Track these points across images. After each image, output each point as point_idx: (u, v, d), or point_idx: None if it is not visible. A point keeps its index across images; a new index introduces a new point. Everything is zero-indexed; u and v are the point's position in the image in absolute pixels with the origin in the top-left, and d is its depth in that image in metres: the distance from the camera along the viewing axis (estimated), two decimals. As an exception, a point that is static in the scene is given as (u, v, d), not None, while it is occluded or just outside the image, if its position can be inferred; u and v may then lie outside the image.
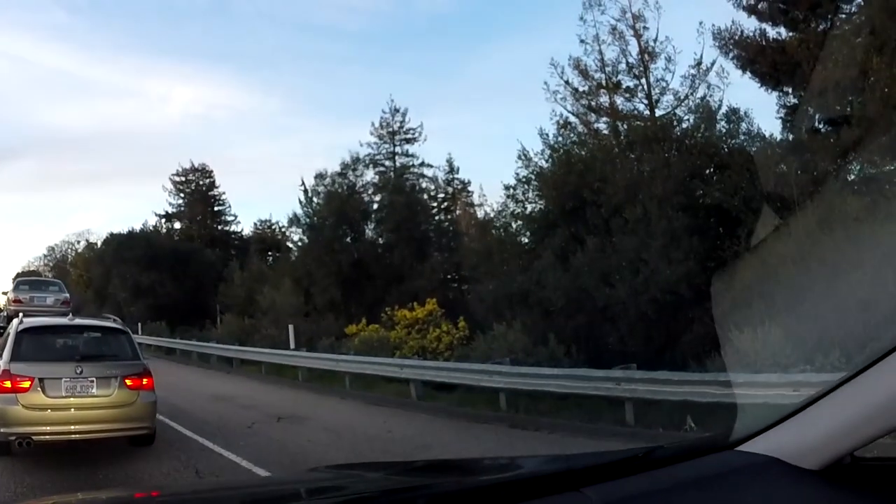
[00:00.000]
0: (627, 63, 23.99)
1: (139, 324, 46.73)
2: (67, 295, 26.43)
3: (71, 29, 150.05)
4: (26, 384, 9.06)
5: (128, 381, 9.64)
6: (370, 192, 39.91)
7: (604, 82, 24.53)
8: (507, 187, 23.55)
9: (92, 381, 9.38)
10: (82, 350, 9.90)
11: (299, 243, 42.22)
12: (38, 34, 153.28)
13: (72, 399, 9.21)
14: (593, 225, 19.41)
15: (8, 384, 9.05)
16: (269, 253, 56.34)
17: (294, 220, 40.09)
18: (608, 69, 24.27)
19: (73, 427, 9.20)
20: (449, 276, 36.50)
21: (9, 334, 10.18)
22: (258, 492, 2.71)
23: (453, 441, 10.80)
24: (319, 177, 38.66)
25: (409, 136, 41.24)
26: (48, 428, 9.09)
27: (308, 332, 28.56)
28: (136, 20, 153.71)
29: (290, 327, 26.07)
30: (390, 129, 40.99)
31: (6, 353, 9.48)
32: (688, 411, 9.89)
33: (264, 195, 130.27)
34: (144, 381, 9.87)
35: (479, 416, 13.68)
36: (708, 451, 2.08)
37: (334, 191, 37.79)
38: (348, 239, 37.40)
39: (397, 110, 41.09)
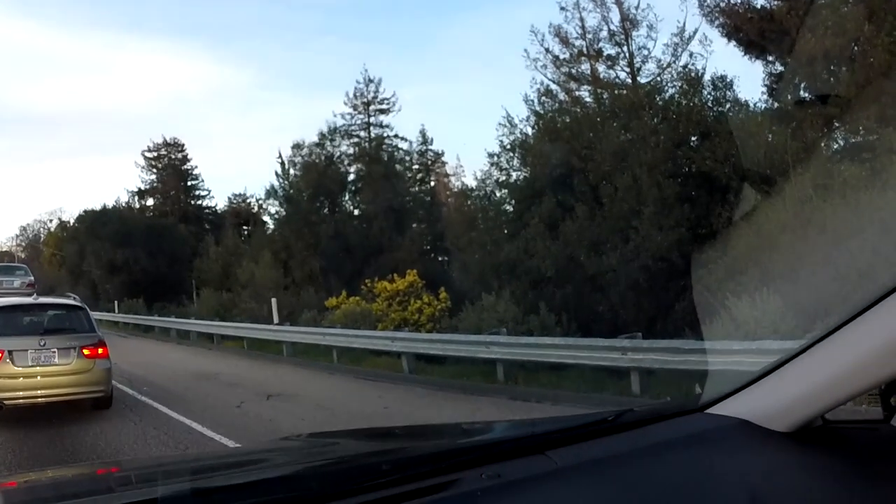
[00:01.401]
0: (609, 30, 23.78)
1: (115, 301, 46.17)
2: (32, 278, 28.67)
3: (39, 3, 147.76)
4: None
5: (85, 351, 10.92)
6: (346, 163, 39.62)
7: (585, 50, 24.29)
8: (490, 155, 23.28)
9: (54, 352, 10.68)
10: (46, 325, 11.30)
11: (276, 216, 41.80)
12: (4, 7, 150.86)
13: (37, 368, 10.51)
14: (581, 192, 19.19)
15: None
16: (245, 227, 55.93)
17: (271, 193, 39.67)
18: (589, 36, 24.05)
19: (39, 392, 10.50)
20: (428, 248, 36.31)
21: None
22: (226, 461, 2.67)
23: (454, 415, 10.38)
24: (297, 147, 38.25)
25: (384, 106, 40.73)
26: (19, 393, 10.37)
27: (288, 306, 28.26)
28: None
29: (273, 301, 25.69)
30: (364, 100, 40.49)
31: None
32: (694, 380, 9.68)
33: (238, 169, 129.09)
34: (100, 350, 11.14)
35: (476, 389, 13.37)
36: (678, 415, 2.09)
37: (312, 162, 37.40)
38: (326, 210, 37.10)
39: (371, 80, 40.57)
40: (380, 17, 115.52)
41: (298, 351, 21.11)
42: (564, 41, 24.31)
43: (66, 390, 10.62)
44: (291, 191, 38.20)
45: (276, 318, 24.61)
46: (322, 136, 38.29)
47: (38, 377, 10.50)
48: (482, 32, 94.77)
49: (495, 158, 23.11)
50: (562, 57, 24.27)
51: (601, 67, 24.22)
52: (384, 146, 40.34)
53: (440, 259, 35.33)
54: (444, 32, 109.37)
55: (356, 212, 38.52)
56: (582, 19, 23.68)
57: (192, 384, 15.19)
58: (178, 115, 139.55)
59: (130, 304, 45.47)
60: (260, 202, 45.34)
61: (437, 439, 2.59)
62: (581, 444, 1.89)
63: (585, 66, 24.47)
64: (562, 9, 23.66)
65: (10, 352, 10.40)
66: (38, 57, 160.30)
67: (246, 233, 55.33)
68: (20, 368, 10.37)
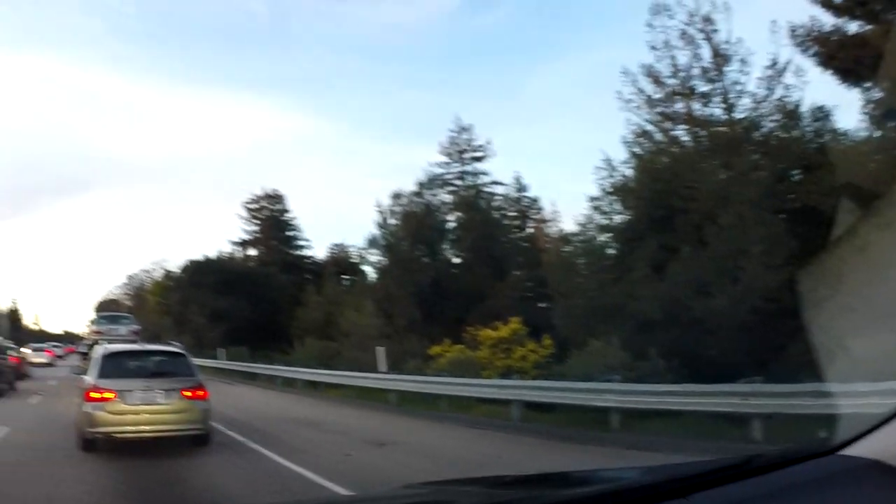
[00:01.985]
0: (702, 67, 23.43)
1: (219, 349, 47.19)
2: (137, 326, 32.69)
3: (131, 59, 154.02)
4: (110, 395, 11.66)
5: (186, 393, 12.18)
6: (443, 211, 39.85)
7: (678, 88, 24.01)
8: (591, 199, 23.13)
9: (158, 393, 11.97)
10: (151, 369, 12.69)
11: (377, 265, 42.21)
12: (101, 66, 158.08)
13: (143, 406, 11.79)
14: (684, 233, 18.87)
15: (96, 395, 11.68)
16: (344, 276, 56.54)
17: (372, 242, 40.02)
18: (682, 74, 23.74)
19: (144, 427, 11.78)
20: (530, 294, 36.11)
21: (95, 358, 13.30)
22: None
23: (570, 464, 10.20)
24: (396, 196, 38.65)
25: (478, 153, 40.98)
26: (128, 428, 11.66)
27: (391, 355, 28.36)
28: (194, 50, 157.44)
29: (380, 350, 25.85)
30: (458, 148, 40.81)
31: (94, 372, 12.36)
32: (816, 423, 9.36)
33: (337, 219, 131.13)
34: (199, 392, 12.42)
35: (589, 438, 13.15)
36: (808, 457, 2.08)
37: (411, 211, 37.73)
38: (426, 258, 37.29)
39: (463, 128, 40.86)
40: (468, 65, 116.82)
41: (405, 399, 21.14)
42: (657, 81, 24.00)
43: (168, 427, 11.93)
44: (392, 240, 38.55)
45: (382, 367, 24.75)
46: (420, 185, 38.68)
47: (145, 415, 11.79)
48: (571, 76, 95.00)
49: (596, 202, 22.96)
50: (655, 97, 23.96)
51: (696, 105, 23.81)
52: (481, 193, 40.54)
53: (540, 305, 35.10)
54: (533, 78, 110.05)
55: (455, 259, 38.68)
56: (673, 57, 23.36)
57: (300, 432, 15.40)
58: (277, 167, 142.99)
59: (235, 351, 46.31)
60: (361, 251, 45.88)
61: (564, 487, 2.58)
62: (717, 488, 1.91)
63: (680, 105, 24.14)
64: (652, 48, 23.39)
65: (120, 392, 11.74)
66: (142, 113, 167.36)
67: (346, 282, 55.98)
68: (129, 407, 11.68)
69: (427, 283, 34.13)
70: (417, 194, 38.70)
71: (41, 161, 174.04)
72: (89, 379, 12.42)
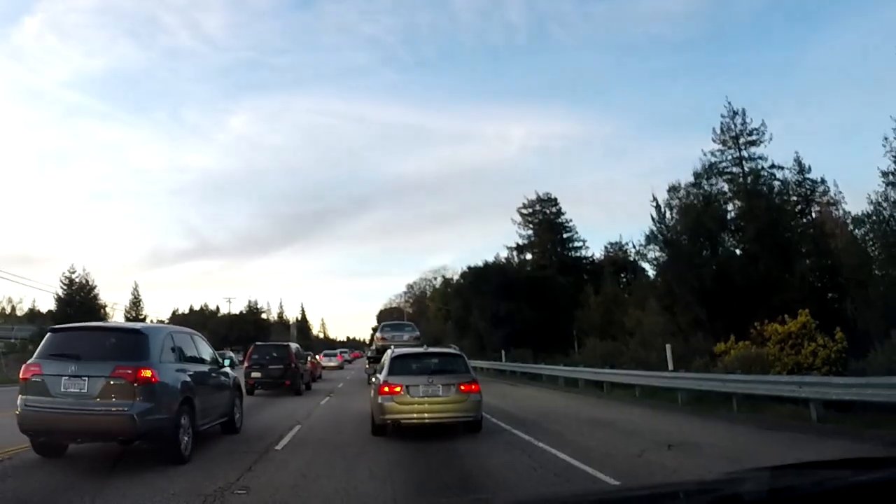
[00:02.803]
0: None
1: (502, 351, 48.24)
2: (418, 333, 37.53)
3: (404, 86, 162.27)
4: (398, 389, 14.23)
5: (461, 387, 14.49)
6: (722, 201, 38.26)
7: None
8: (884, 174, 21.21)
9: (438, 387, 14.35)
10: (432, 368, 15.09)
11: (655, 261, 41.30)
12: (374, 95, 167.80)
13: (425, 399, 14.27)
14: None
15: (387, 390, 14.29)
16: (622, 275, 55.92)
17: (651, 237, 39.18)
18: None
19: (426, 416, 14.27)
20: (819, 285, 33.79)
21: (385, 360, 15.95)
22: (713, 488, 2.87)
23: None
24: (672, 190, 37.67)
25: (753, 137, 38.97)
26: (413, 416, 14.22)
27: (676, 352, 27.70)
28: (463, 69, 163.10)
29: (668, 348, 25.33)
30: (733, 134, 39.05)
31: (385, 371, 14.97)
32: None
33: (610, 218, 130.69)
34: (473, 387, 14.66)
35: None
36: None
37: (689, 203, 36.60)
38: (706, 252, 35.98)
39: (736, 112, 39.05)
40: (734, 49, 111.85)
41: (692, 398, 20.51)
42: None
43: (445, 415, 14.36)
44: (671, 234, 37.57)
45: (670, 366, 24.23)
46: (697, 175, 37.44)
47: (426, 405, 14.27)
48: (850, 42, 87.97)
49: (891, 177, 20.99)
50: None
51: None
52: (760, 179, 38.48)
53: (831, 296, 32.74)
54: (806, 51, 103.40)
55: (738, 251, 36.94)
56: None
57: (588, 431, 15.37)
58: (545, 172, 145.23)
59: (517, 353, 47.12)
60: (639, 249, 45.18)
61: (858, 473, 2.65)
62: None
63: None
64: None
65: (406, 387, 14.28)
66: (409, 133, 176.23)
67: (624, 281, 55.33)
68: (414, 398, 14.24)
69: (709, 278, 32.93)
70: (695, 185, 37.47)
71: (328, 186, 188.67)
72: (381, 377, 15.02)
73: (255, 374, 28.18)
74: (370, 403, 16.05)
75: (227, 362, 16.08)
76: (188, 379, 12.18)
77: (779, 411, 16.45)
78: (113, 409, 10.43)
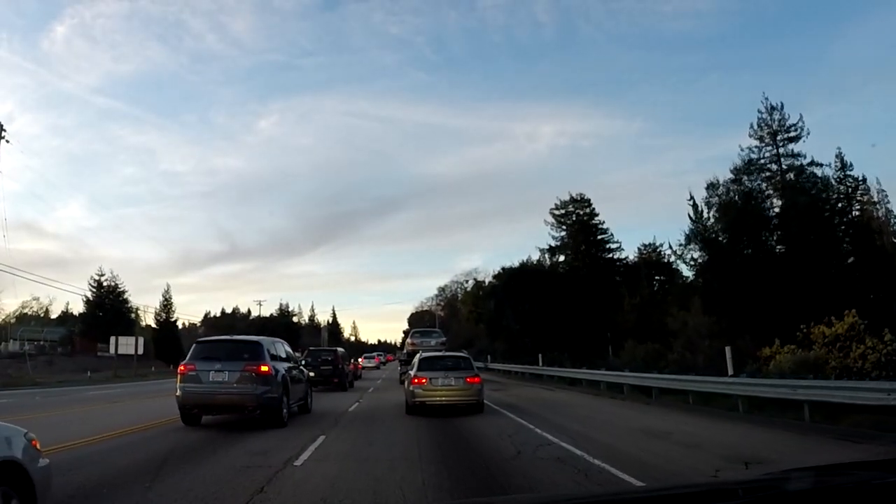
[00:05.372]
0: None
1: (539, 355, 46.89)
2: (444, 338, 43.97)
3: (432, 86, 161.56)
4: (424, 381, 20.26)
5: (467, 379, 20.54)
6: (761, 199, 36.93)
7: None
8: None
9: (451, 379, 20.39)
10: (448, 365, 21.16)
11: (692, 262, 40.07)
12: (402, 95, 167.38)
13: (443, 387, 20.21)
14: None
15: (417, 381, 20.35)
16: (657, 277, 54.69)
17: (692, 236, 37.87)
18: None
19: (443, 399, 20.09)
20: (863, 284, 32.31)
21: (415, 361, 22.68)
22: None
23: None
24: (711, 187, 36.43)
25: (791, 134, 37.61)
26: (435, 399, 20.09)
27: (719, 356, 26.39)
28: (490, 68, 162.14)
29: (728, 350, 23.99)
30: (770, 130, 37.69)
31: (416, 368, 21.36)
32: None
33: (640, 218, 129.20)
34: (475, 379, 20.74)
35: None
36: None
37: (729, 200, 35.29)
38: (748, 251, 34.62)
39: (774, 107, 37.73)
40: (763, 43, 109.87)
41: (753, 406, 19.00)
42: None
43: (456, 398, 20.28)
44: (710, 234, 36.31)
45: (730, 370, 22.82)
46: (737, 171, 36.14)
47: (442, 390, 20.28)
48: (883, 31, 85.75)
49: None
50: None
51: None
52: (801, 176, 37.09)
53: (879, 296, 31.21)
54: (836, 43, 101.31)
55: (780, 249, 35.50)
56: None
57: (644, 444, 13.93)
58: (575, 172, 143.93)
59: (552, 356, 46.15)
60: (675, 250, 43.87)
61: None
62: None
63: None
64: None
65: (430, 378, 20.36)
66: (438, 133, 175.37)
67: (658, 282, 53.99)
68: (435, 387, 20.25)
69: (751, 277, 31.59)
70: (735, 181, 36.15)
71: (357, 187, 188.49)
72: (412, 372, 21.44)
73: (309, 374, 31.52)
74: (404, 394, 22.37)
75: (303, 362, 24.93)
76: (285, 372, 18.36)
77: (855, 420, 15.13)
78: (244, 390, 16.69)
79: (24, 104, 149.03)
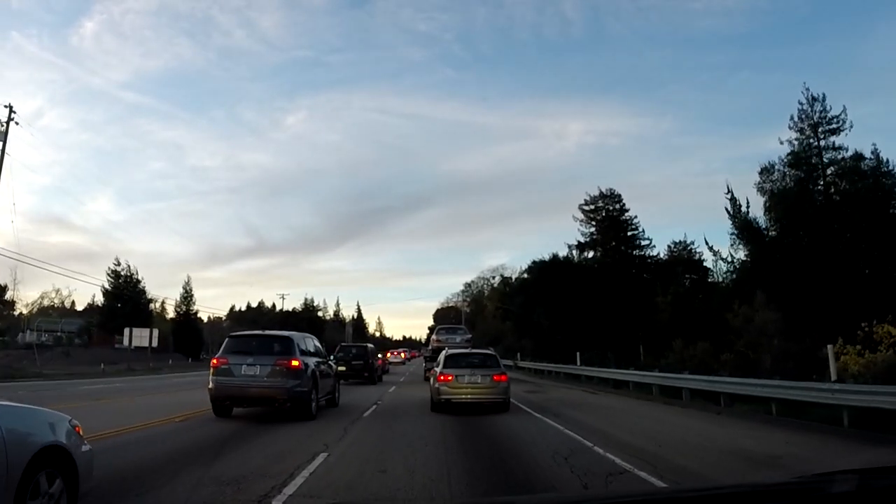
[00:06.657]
0: None
1: (577, 353, 44.62)
2: (469, 336, 44.23)
3: (460, 83, 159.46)
4: (450, 378, 20.20)
5: (494, 377, 20.41)
6: (811, 191, 34.85)
7: None
8: None
9: (478, 377, 20.31)
10: (474, 363, 21.09)
11: (729, 258, 38.04)
12: (430, 92, 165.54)
13: (468, 385, 20.17)
14: None
15: (442, 378, 20.27)
16: (688, 275, 53.16)
17: (744, 227, 35.61)
18: None
19: (469, 396, 20.07)
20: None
21: (441, 357, 22.45)
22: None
23: None
24: (765, 171, 34.21)
25: (833, 126, 35.57)
26: (461, 396, 20.05)
27: (778, 357, 24.28)
28: (518, 66, 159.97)
29: (830, 349, 20.89)
30: (811, 122, 35.54)
31: (441, 365, 21.20)
32: None
33: (669, 216, 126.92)
34: (502, 377, 20.56)
35: None
36: None
37: (784, 188, 33.05)
38: (805, 241, 32.39)
39: (815, 98, 35.62)
40: (794, 42, 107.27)
41: (859, 419, 15.98)
42: None
43: (482, 397, 20.13)
44: (757, 225, 34.16)
45: (833, 375, 19.77)
46: (795, 154, 33.84)
47: (468, 388, 20.08)
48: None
49: None
50: None
51: None
52: (853, 169, 35.12)
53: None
54: (869, 42, 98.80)
55: (838, 242, 33.29)
56: None
57: (737, 469, 11.09)
58: (603, 170, 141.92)
59: (589, 355, 44.22)
60: (711, 247, 41.93)
61: None
62: None
63: None
64: None
65: (456, 376, 20.16)
66: (466, 130, 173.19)
67: (689, 280, 52.41)
68: (461, 384, 20.08)
69: (809, 271, 29.35)
70: (792, 164, 33.86)
71: (383, 184, 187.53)
72: (438, 369, 21.17)
73: (340, 368, 31.95)
74: (430, 390, 21.84)
75: (332, 358, 24.98)
76: (314, 367, 18.96)
77: None
78: (275, 384, 17.39)
79: (54, 99, 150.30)
